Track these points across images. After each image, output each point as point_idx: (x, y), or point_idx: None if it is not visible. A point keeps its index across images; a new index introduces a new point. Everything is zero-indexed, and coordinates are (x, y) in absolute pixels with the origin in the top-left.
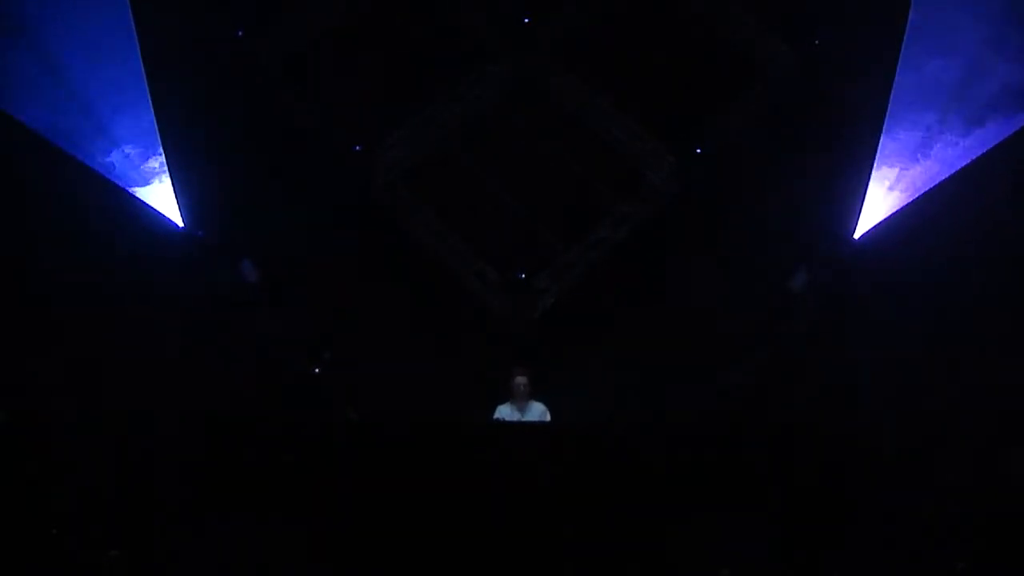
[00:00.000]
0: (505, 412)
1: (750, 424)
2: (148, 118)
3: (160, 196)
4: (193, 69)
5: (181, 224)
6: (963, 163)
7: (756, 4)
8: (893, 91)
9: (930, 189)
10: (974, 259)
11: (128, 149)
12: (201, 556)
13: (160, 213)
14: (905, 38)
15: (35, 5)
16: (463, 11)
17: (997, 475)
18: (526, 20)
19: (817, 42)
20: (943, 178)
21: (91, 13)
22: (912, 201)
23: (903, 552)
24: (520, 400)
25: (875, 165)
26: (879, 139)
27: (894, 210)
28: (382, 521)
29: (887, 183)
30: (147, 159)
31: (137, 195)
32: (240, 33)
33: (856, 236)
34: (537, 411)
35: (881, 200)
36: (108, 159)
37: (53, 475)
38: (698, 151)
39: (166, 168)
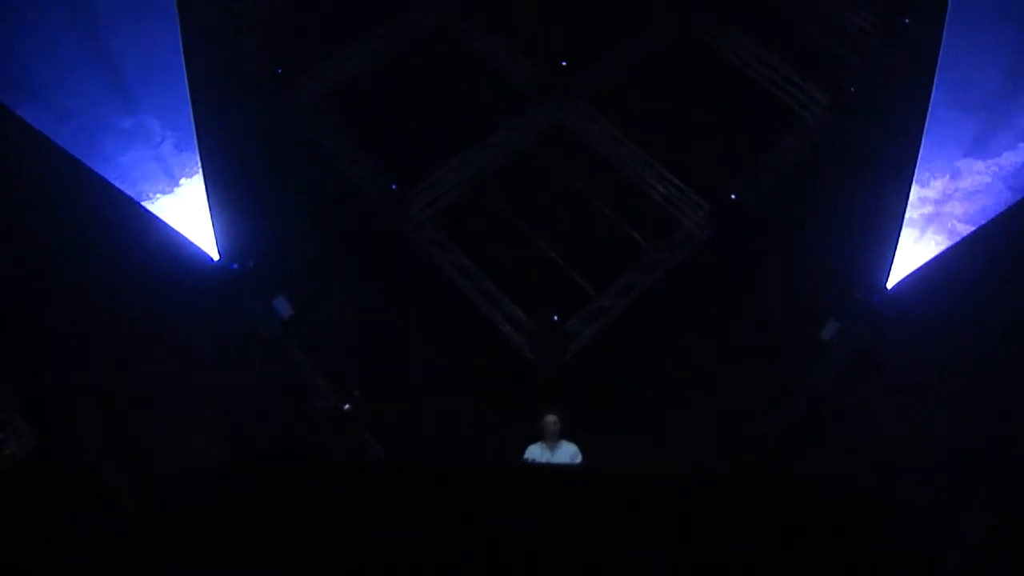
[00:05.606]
0: (535, 452)
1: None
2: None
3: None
4: (235, 106)
5: (217, 257)
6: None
7: (791, 53)
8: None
9: (963, 239)
10: (1007, 309)
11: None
12: None
13: (196, 246)
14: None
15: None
16: (502, 56)
17: None
18: (563, 63)
19: (852, 89)
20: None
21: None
22: (944, 251)
23: None
24: (551, 439)
25: (906, 215)
26: (910, 188)
27: (926, 261)
28: (409, 563)
29: (918, 233)
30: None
31: (175, 228)
32: (280, 71)
33: (888, 286)
34: (568, 452)
35: (913, 251)
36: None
37: (81, 502)
38: (733, 197)
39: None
